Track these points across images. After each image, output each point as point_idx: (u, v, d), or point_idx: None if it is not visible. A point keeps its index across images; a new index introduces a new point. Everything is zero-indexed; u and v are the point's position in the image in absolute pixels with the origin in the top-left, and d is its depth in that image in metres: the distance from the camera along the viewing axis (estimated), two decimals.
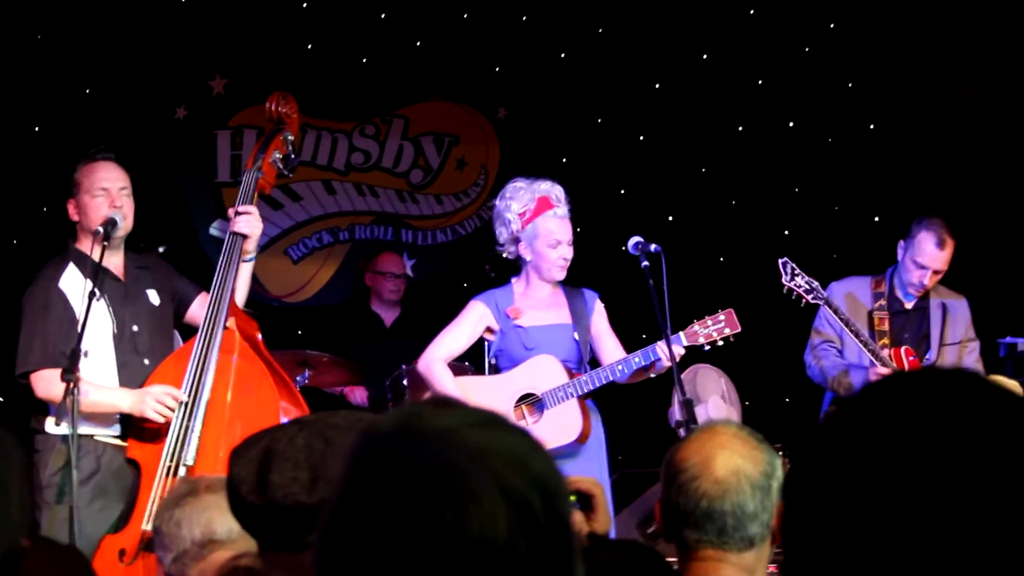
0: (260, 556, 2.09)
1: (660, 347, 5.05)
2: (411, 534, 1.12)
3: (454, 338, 5.31)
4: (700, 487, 2.33)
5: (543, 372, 5.19)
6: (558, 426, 5.10)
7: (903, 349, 5.96)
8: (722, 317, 5.24)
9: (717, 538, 2.33)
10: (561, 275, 5.30)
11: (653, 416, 6.60)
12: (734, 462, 2.33)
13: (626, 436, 7.84)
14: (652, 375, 5.22)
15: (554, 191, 5.30)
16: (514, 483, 1.15)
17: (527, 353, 5.24)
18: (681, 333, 5.17)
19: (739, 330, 5.24)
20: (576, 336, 5.26)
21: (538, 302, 5.32)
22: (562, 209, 5.29)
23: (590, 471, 5.18)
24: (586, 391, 5.16)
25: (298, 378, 6.43)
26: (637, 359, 5.12)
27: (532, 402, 5.20)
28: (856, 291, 6.11)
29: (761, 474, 2.33)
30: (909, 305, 6.10)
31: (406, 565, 1.12)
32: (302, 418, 2.19)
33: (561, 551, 1.17)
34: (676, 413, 5.66)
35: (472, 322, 5.32)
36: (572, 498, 2.21)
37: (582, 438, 5.15)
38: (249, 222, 4.78)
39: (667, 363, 5.06)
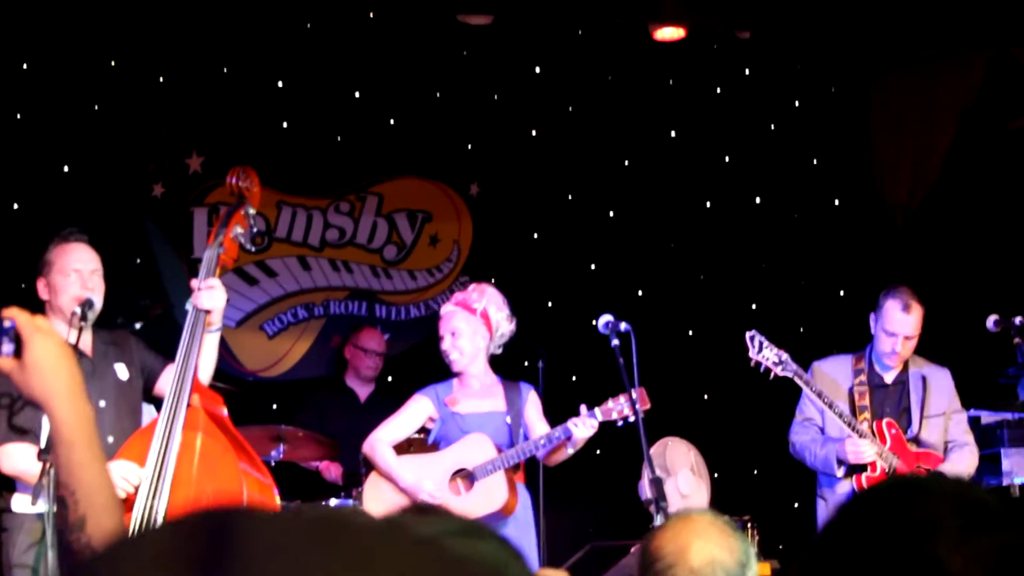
0: None
1: (572, 423, 5.42)
2: None
3: (397, 425, 5.79)
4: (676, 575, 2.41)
5: (475, 448, 5.62)
6: (486, 496, 5.55)
7: (885, 422, 5.98)
8: (635, 394, 5.44)
9: None
10: (452, 367, 5.73)
11: (623, 489, 6.67)
12: (709, 551, 2.40)
13: (597, 509, 7.91)
14: (571, 450, 5.56)
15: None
16: None
17: (463, 435, 5.66)
18: (596, 409, 5.46)
19: (649, 407, 5.45)
20: (508, 420, 5.67)
21: (474, 392, 5.75)
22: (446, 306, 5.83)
23: (521, 543, 5.41)
24: (512, 463, 5.58)
25: (273, 452, 6.45)
26: (557, 433, 5.49)
27: (465, 475, 5.63)
28: (837, 368, 6.15)
29: (736, 563, 2.40)
30: (889, 379, 6.11)
31: None
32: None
33: None
34: (646, 489, 5.76)
35: (415, 412, 5.80)
36: None
37: (506, 510, 5.53)
38: (211, 296, 4.67)
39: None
